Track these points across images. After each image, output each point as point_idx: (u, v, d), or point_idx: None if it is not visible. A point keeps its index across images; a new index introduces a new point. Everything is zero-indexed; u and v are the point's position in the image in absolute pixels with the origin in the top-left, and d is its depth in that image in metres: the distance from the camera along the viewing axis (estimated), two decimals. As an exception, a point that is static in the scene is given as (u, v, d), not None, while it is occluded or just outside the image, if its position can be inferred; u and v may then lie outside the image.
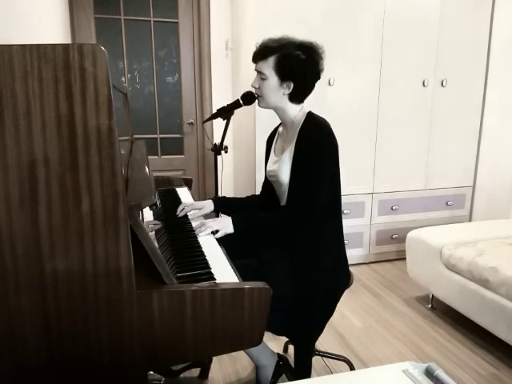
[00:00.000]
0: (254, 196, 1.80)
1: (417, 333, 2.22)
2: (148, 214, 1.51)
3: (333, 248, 1.50)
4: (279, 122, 1.62)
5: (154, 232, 1.32)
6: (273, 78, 1.43)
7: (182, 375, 1.84)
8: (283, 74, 1.42)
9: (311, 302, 1.43)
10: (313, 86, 1.49)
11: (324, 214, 1.44)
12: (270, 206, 1.64)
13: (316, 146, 1.39)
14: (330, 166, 1.42)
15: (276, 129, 1.68)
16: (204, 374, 1.85)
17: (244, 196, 1.82)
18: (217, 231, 1.44)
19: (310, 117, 1.46)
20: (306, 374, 1.55)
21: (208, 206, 1.66)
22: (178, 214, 1.62)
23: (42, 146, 0.88)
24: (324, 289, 1.45)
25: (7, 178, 0.89)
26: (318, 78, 1.48)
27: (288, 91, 1.45)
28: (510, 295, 1.86)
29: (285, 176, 1.48)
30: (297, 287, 1.42)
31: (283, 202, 1.56)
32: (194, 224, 1.52)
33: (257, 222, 1.47)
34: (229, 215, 1.53)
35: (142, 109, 3.15)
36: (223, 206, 1.71)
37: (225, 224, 1.45)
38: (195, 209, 1.64)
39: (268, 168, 1.62)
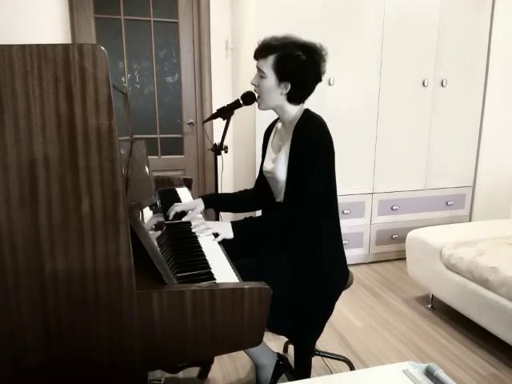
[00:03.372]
0: (246, 191, 1.79)
1: (417, 333, 2.22)
2: (148, 214, 1.51)
3: (330, 247, 1.50)
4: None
5: (154, 232, 1.32)
6: (271, 77, 1.43)
7: (182, 375, 1.84)
8: (282, 74, 1.41)
9: (309, 302, 1.43)
10: (313, 88, 1.48)
11: (321, 211, 1.44)
12: (264, 201, 1.65)
13: (310, 144, 1.39)
14: (325, 162, 1.42)
15: (274, 122, 1.68)
16: (204, 373, 1.85)
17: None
18: (217, 234, 1.44)
19: (306, 114, 1.46)
20: (306, 374, 1.55)
21: (199, 205, 1.65)
22: (169, 215, 1.61)
23: (42, 145, 0.89)
24: (322, 288, 1.45)
25: (7, 178, 0.89)
26: (319, 80, 1.47)
27: (285, 91, 1.44)
28: (510, 295, 1.86)
29: (281, 174, 1.48)
30: (295, 287, 1.42)
31: (279, 198, 1.56)
32: (194, 224, 1.52)
33: (256, 228, 1.46)
34: (222, 211, 1.59)
35: (141, 109, 3.15)
36: (213, 203, 1.70)
37: (225, 229, 1.44)
38: (187, 210, 1.64)
39: (265, 165, 1.61)
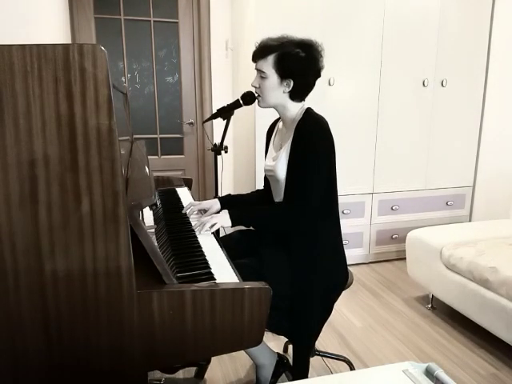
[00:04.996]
0: (258, 191, 1.81)
1: (417, 333, 2.22)
2: (148, 214, 1.51)
3: (330, 247, 1.50)
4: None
5: (154, 232, 1.32)
6: (273, 77, 1.44)
7: (182, 375, 1.84)
8: (283, 72, 1.42)
9: (309, 302, 1.43)
10: (313, 84, 1.49)
11: (321, 211, 1.44)
12: (271, 201, 1.65)
13: (310, 143, 1.39)
14: (326, 162, 1.42)
15: (276, 121, 1.68)
16: (201, 373, 1.84)
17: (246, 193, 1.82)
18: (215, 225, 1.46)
19: (308, 113, 1.47)
20: (304, 374, 1.55)
21: (215, 204, 1.67)
22: (186, 212, 1.64)
23: (42, 145, 0.89)
24: (322, 288, 1.45)
25: (7, 178, 0.89)
26: (319, 75, 1.49)
27: (288, 89, 1.45)
28: (510, 295, 1.86)
29: (281, 173, 1.49)
30: (295, 287, 1.42)
31: (278, 197, 1.57)
32: (194, 223, 1.53)
33: (254, 216, 1.49)
34: None
35: (141, 109, 3.15)
36: (229, 204, 1.72)
37: (222, 218, 1.47)
38: (203, 209, 1.66)
39: (266, 163, 1.62)
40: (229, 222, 1.46)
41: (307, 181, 1.40)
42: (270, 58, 1.42)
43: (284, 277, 1.43)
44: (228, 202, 1.70)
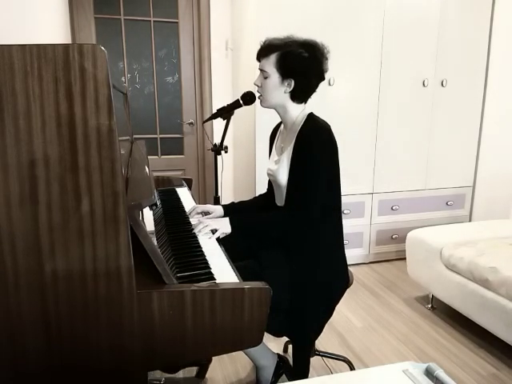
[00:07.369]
0: (260, 196, 1.80)
1: (417, 333, 2.22)
2: (148, 214, 1.51)
3: (331, 250, 1.49)
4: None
5: (154, 232, 1.32)
6: (274, 76, 1.42)
7: (182, 375, 1.84)
8: (284, 72, 1.41)
9: (309, 305, 1.43)
10: (316, 86, 1.47)
11: (322, 216, 1.43)
12: (273, 205, 1.64)
13: (313, 149, 1.38)
14: (328, 168, 1.41)
15: (280, 124, 1.68)
16: (201, 373, 1.84)
17: (246, 197, 1.81)
18: (215, 231, 1.44)
19: (310, 119, 1.45)
20: (304, 374, 1.55)
21: (219, 211, 1.66)
22: (188, 214, 1.63)
23: (42, 145, 0.88)
24: (322, 291, 1.45)
25: (7, 178, 0.89)
26: (322, 78, 1.47)
27: (289, 89, 1.44)
28: (510, 295, 1.86)
29: (283, 178, 1.48)
30: (294, 289, 1.42)
31: (279, 201, 1.56)
32: (194, 223, 1.52)
33: (254, 223, 1.47)
34: None
35: (141, 109, 3.15)
36: (232, 212, 1.69)
37: (222, 224, 1.45)
38: (206, 211, 1.65)
39: (268, 166, 1.61)
40: (229, 229, 1.44)
41: (308, 190, 1.39)
42: (273, 57, 1.41)
43: (283, 279, 1.42)
44: (231, 211, 1.69)
